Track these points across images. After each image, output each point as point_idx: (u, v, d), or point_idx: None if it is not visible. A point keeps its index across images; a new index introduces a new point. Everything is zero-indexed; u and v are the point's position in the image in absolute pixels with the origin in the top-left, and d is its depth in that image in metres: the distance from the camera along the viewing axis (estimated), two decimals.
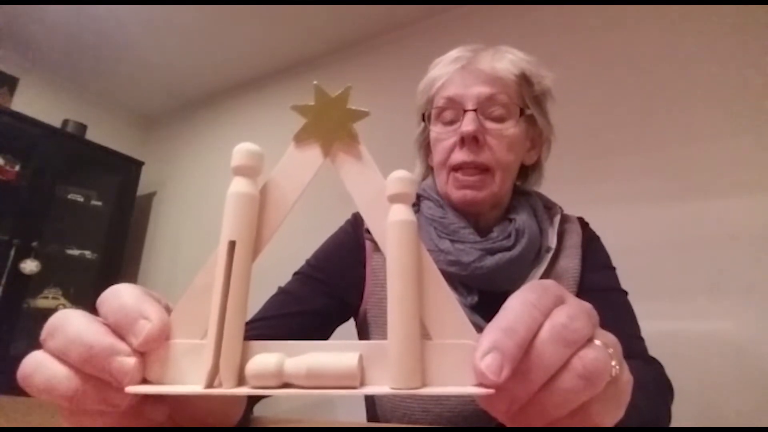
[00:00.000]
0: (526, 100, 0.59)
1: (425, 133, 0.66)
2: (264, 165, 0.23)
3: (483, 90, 0.57)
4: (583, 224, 0.66)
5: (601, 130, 1.39)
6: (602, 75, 1.42)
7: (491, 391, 0.19)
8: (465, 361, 0.20)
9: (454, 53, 0.62)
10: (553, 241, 0.59)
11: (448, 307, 0.21)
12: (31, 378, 0.20)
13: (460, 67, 0.59)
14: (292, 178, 0.24)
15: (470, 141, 0.56)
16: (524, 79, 0.59)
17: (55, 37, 2.12)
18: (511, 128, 0.57)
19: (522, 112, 0.58)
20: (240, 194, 0.22)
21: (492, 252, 0.56)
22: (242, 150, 0.22)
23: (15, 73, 2.26)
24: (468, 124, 0.55)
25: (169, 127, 2.83)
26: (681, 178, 1.23)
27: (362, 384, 0.20)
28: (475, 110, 0.56)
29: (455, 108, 0.58)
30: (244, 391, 0.20)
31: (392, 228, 0.21)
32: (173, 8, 1.92)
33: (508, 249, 0.56)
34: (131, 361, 0.20)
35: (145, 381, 0.21)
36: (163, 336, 0.21)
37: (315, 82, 0.23)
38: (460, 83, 0.58)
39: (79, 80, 2.47)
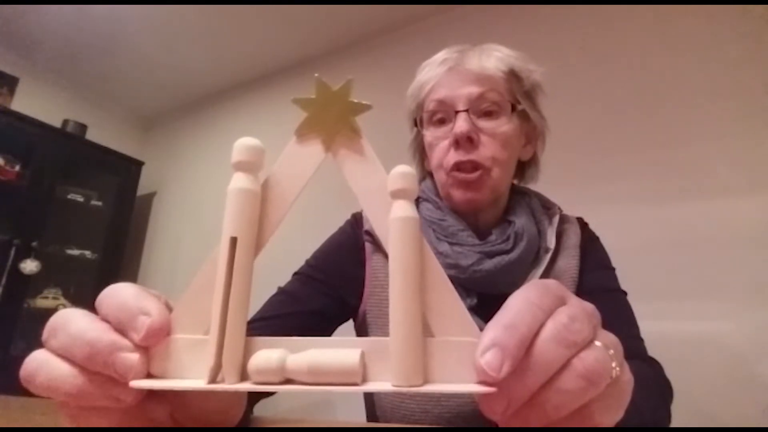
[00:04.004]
0: (517, 96, 0.59)
1: (419, 137, 0.66)
2: (264, 160, 0.23)
3: (473, 90, 0.57)
4: (583, 224, 0.66)
5: (601, 130, 1.39)
6: (602, 74, 1.42)
7: (493, 389, 0.19)
8: (467, 359, 0.20)
9: (440, 55, 0.62)
10: (551, 242, 0.59)
11: (451, 305, 0.21)
12: (35, 377, 0.21)
13: (448, 69, 0.59)
14: (293, 173, 0.23)
15: (464, 141, 0.56)
16: (513, 75, 0.59)
17: (55, 37, 2.12)
18: (504, 125, 0.57)
19: (514, 108, 0.58)
20: (241, 190, 0.22)
21: (491, 255, 0.56)
22: (242, 145, 0.22)
23: (15, 73, 2.26)
24: (461, 125, 0.55)
25: (169, 127, 2.83)
26: (681, 178, 1.23)
27: (364, 381, 0.20)
28: (466, 110, 0.56)
29: (446, 110, 0.58)
30: (247, 386, 0.20)
31: (394, 225, 0.21)
32: (173, 8, 1.92)
33: (507, 252, 0.56)
34: (134, 356, 0.20)
35: (148, 376, 0.21)
36: (164, 331, 0.21)
37: (316, 75, 0.22)
38: (449, 85, 0.58)
39: (79, 80, 2.47)
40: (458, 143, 0.56)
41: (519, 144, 0.62)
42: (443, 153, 0.58)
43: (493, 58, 0.58)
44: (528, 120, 0.62)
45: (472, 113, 0.57)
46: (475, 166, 0.57)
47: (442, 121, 0.60)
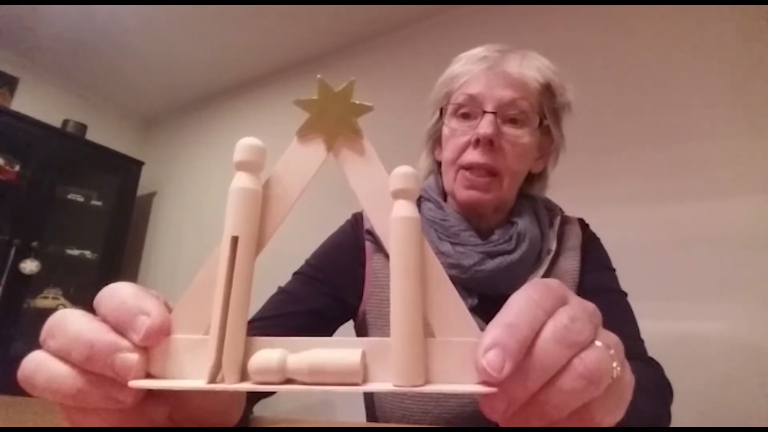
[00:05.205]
0: (545, 110, 0.59)
1: (437, 126, 0.65)
2: (266, 160, 0.23)
3: (506, 93, 0.56)
4: (583, 225, 0.66)
5: (601, 130, 1.39)
6: (602, 74, 1.42)
7: (494, 389, 0.19)
8: (468, 359, 0.20)
9: (480, 51, 0.61)
10: (553, 244, 0.59)
11: (452, 305, 0.21)
12: (33, 378, 0.20)
13: (486, 67, 0.58)
14: (295, 174, 0.23)
15: (486, 143, 0.55)
16: (548, 89, 0.58)
17: (56, 37, 2.12)
18: (527, 136, 0.57)
19: (540, 123, 0.57)
20: (242, 189, 0.22)
21: (492, 255, 0.56)
22: (244, 145, 0.22)
23: (15, 73, 2.26)
24: (486, 127, 0.55)
25: (169, 127, 2.83)
26: (681, 178, 1.23)
27: (365, 381, 0.20)
28: (494, 113, 0.56)
29: (474, 106, 0.58)
30: (247, 386, 0.20)
31: (395, 224, 0.21)
32: (173, 8, 1.92)
33: (509, 252, 0.56)
34: (134, 356, 0.20)
35: (148, 377, 0.21)
36: (164, 331, 0.21)
37: (319, 76, 0.22)
38: (484, 83, 0.57)
39: (79, 80, 2.47)
40: (479, 143, 0.56)
41: (533, 156, 0.61)
42: (460, 149, 0.58)
43: (533, 68, 0.58)
44: (547, 135, 0.61)
45: (499, 117, 0.56)
46: (488, 170, 0.56)
47: (466, 116, 0.59)
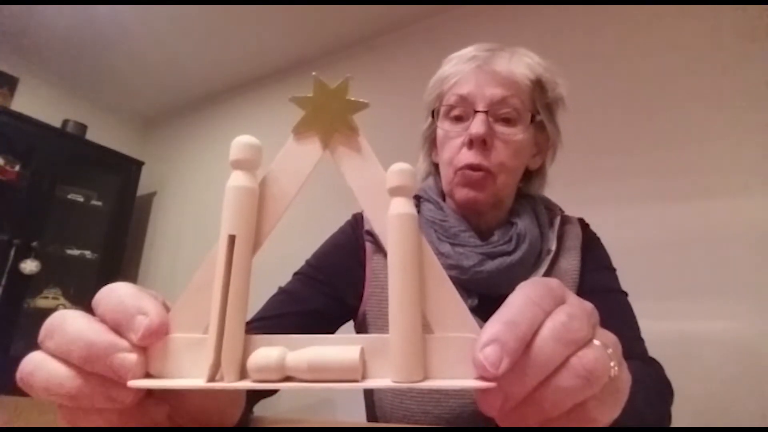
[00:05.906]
0: (538, 106, 0.59)
1: (432, 128, 0.65)
2: (262, 158, 0.23)
3: (496, 92, 0.56)
4: (584, 225, 0.66)
5: (601, 130, 1.39)
6: (602, 74, 1.42)
7: (492, 384, 0.19)
8: (467, 355, 0.20)
9: (470, 51, 0.61)
10: (553, 244, 0.59)
11: (450, 301, 0.21)
12: (32, 379, 0.21)
13: (476, 67, 0.58)
14: (291, 171, 0.23)
15: (479, 143, 0.55)
16: (539, 85, 0.58)
17: (55, 37, 2.12)
18: (520, 133, 0.57)
19: (533, 119, 0.57)
20: (239, 188, 0.22)
21: (492, 256, 0.56)
22: (240, 143, 0.22)
23: (15, 73, 2.26)
24: (478, 127, 0.55)
25: (169, 127, 2.83)
26: (681, 178, 1.23)
27: (364, 377, 0.20)
28: (485, 112, 0.56)
29: (465, 107, 0.58)
30: (246, 384, 0.20)
31: (393, 221, 0.21)
32: (173, 8, 1.92)
33: (509, 253, 0.56)
34: (133, 356, 0.20)
35: (147, 376, 0.21)
36: (162, 330, 0.21)
37: (314, 73, 0.22)
38: (474, 83, 0.57)
39: (79, 80, 2.47)
40: (472, 143, 0.56)
41: (530, 153, 0.61)
42: (455, 151, 0.58)
43: (523, 64, 0.58)
44: (543, 131, 0.61)
45: (491, 116, 0.56)
46: (483, 170, 0.56)
47: (458, 118, 0.59)
